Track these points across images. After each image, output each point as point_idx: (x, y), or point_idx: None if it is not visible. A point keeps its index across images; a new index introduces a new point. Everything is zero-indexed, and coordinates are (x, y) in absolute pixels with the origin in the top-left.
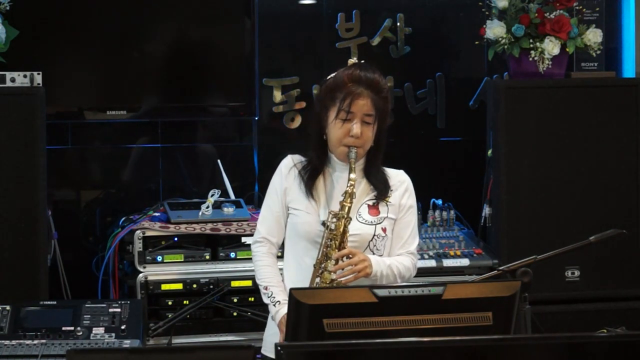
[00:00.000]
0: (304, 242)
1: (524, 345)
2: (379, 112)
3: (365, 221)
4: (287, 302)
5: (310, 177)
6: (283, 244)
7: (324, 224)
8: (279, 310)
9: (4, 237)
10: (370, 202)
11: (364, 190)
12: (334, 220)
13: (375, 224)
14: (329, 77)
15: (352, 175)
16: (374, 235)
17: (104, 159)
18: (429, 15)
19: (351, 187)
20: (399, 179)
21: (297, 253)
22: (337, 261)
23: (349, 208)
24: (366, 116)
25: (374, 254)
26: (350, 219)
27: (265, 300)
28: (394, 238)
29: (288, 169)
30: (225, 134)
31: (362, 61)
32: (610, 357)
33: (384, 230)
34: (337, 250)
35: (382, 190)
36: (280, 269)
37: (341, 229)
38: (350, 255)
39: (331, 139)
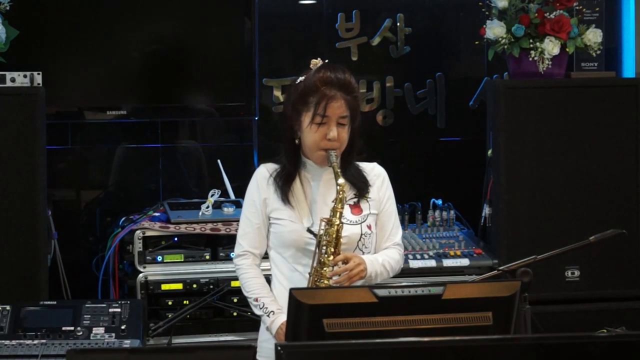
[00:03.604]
0: (292, 251)
1: (524, 345)
2: (352, 112)
3: (350, 221)
4: (280, 311)
5: (285, 183)
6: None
7: (310, 231)
8: (274, 320)
9: (4, 237)
10: (352, 202)
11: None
12: (327, 227)
13: (360, 223)
14: (298, 80)
15: (341, 181)
16: (361, 234)
17: (104, 159)
18: (429, 15)
19: (342, 193)
20: (375, 173)
21: (286, 261)
22: (332, 267)
23: (341, 214)
24: (341, 118)
25: (363, 252)
26: (343, 224)
27: (257, 311)
28: (378, 231)
29: (265, 179)
30: (225, 134)
31: (327, 61)
32: (610, 357)
33: (369, 227)
34: (332, 256)
35: (361, 187)
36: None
37: (334, 235)
38: (346, 261)
39: (307, 143)
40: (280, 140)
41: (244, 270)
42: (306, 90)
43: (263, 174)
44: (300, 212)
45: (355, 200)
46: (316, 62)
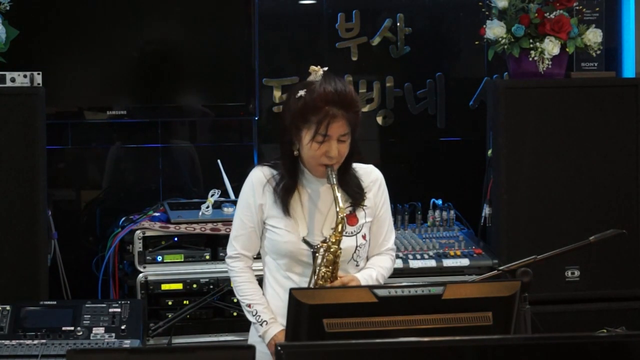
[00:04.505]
0: (286, 259)
1: (524, 345)
2: (353, 127)
3: (346, 233)
4: (274, 320)
5: (285, 195)
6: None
7: (305, 241)
8: (268, 330)
9: (4, 237)
10: (347, 211)
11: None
12: (325, 253)
13: (356, 234)
14: (299, 93)
15: (341, 206)
16: (357, 246)
17: (103, 159)
18: (429, 15)
19: (342, 219)
20: (371, 179)
21: (280, 268)
22: None
23: (340, 241)
24: (342, 136)
25: (357, 263)
26: (341, 249)
27: (250, 318)
28: (372, 237)
29: (261, 184)
30: (225, 134)
31: (326, 68)
32: (610, 357)
33: (364, 237)
34: (329, 280)
35: (357, 197)
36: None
37: (332, 260)
38: (344, 286)
39: (306, 158)
40: (280, 149)
41: (237, 273)
42: (308, 108)
43: (259, 179)
44: (296, 222)
45: (351, 209)
46: (315, 69)
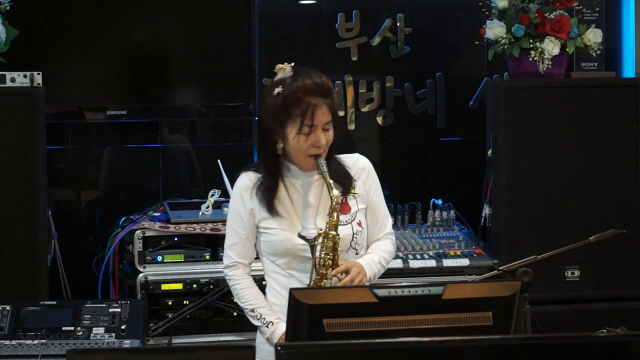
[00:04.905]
0: (286, 258)
1: (524, 345)
2: (334, 114)
3: (340, 222)
4: (279, 321)
5: (269, 195)
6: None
7: (301, 236)
8: (274, 331)
9: (4, 237)
10: (340, 199)
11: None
12: (324, 240)
13: (350, 222)
14: (275, 91)
15: (335, 192)
16: (353, 233)
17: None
18: (429, 15)
19: (337, 205)
20: (359, 166)
21: (280, 268)
22: (332, 279)
23: (336, 226)
24: (326, 124)
25: (356, 251)
26: (339, 235)
27: (255, 322)
28: (369, 224)
29: (248, 190)
30: (225, 134)
31: (293, 64)
32: (610, 357)
33: (359, 224)
34: (331, 268)
35: (346, 183)
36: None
37: (331, 247)
38: (347, 271)
39: (294, 153)
40: (260, 151)
41: (236, 280)
42: (289, 103)
43: (246, 185)
44: (290, 219)
45: (342, 197)
46: (282, 67)
